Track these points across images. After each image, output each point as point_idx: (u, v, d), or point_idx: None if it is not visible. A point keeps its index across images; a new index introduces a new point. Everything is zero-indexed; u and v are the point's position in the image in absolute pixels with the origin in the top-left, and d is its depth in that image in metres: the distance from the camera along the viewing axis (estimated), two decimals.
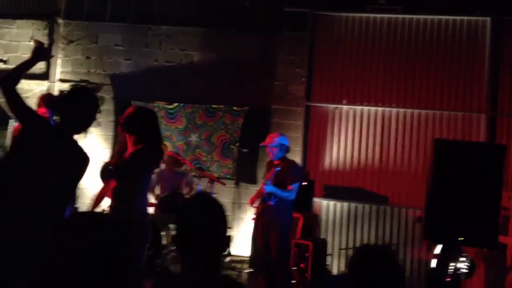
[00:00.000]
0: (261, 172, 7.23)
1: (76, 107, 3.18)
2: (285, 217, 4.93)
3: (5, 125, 7.10)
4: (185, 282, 1.81)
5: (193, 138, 7.53)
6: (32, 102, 7.58)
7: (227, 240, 1.81)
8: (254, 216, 5.05)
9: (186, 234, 1.86)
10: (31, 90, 7.68)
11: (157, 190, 6.78)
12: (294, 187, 4.88)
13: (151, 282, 1.97)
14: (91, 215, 1.38)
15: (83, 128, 3.22)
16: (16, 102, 3.00)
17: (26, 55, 8.03)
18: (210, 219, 1.86)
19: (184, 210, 1.97)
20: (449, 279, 4.19)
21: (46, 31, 7.90)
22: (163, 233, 6.17)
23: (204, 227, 1.83)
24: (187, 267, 1.84)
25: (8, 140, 6.94)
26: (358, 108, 7.19)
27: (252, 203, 5.09)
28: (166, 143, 7.59)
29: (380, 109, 7.14)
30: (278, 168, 4.85)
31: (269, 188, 4.79)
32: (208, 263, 1.82)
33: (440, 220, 4.23)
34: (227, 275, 1.96)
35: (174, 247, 1.88)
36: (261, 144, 5.24)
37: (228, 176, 7.27)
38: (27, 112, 3.06)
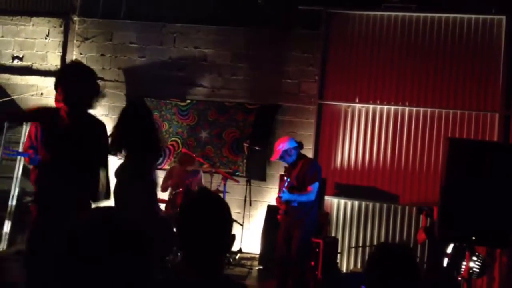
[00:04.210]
0: (271, 170, 7.24)
1: (70, 81, 3.31)
2: (309, 216, 4.92)
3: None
4: (186, 282, 1.77)
5: (204, 134, 7.55)
6: (46, 98, 7.73)
7: (231, 239, 1.73)
8: (279, 215, 5.06)
9: (187, 231, 1.80)
10: (46, 87, 7.78)
11: (169, 187, 6.82)
12: (313, 187, 4.85)
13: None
14: (111, 211, 1.30)
15: (86, 98, 3.33)
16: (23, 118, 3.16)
17: (41, 52, 8.20)
18: (213, 216, 1.80)
19: (186, 207, 1.92)
20: (460, 278, 4.17)
21: (62, 29, 7.99)
22: (174, 229, 6.22)
23: (206, 224, 1.78)
24: (188, 266, 1.79)
25: (23, 138, 7.03)
26: (371, 106, 7.16)
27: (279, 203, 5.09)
28: (177, 139, 7.63)
29: (393, 107, 7.11)
30: (288, 179, 4.86)
31: (286, 196, 4.80)
32: (210, 263, 1.78)
33: (453, 219, 4.20)
34: (229, 276, 1.90)
35: (178, 244, 1.78)
36: (272, 159, 5.28)
37: (238, 173, 7.29)
38: (34, 114, 3.19)
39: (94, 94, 3.36)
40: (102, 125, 3.45)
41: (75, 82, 3.28)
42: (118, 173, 3.82)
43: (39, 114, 3.49)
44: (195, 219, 1.79)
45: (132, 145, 3.73)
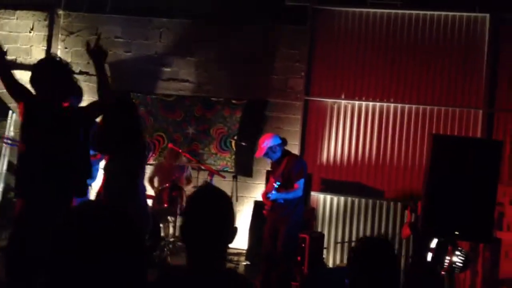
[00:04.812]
0: (258, 166, 7.26)
1: (38, 79, 3.33)
2: (295, 212, 4.96)
3: (5, 115, 7.12)
4: (190, 275, 1.80)
5: (190, 130, 7.52)
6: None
7: (233, 232, 1.81)
8: (265, 210, 5.08)
9: (192, 225, 1.85)
10: None
11: (156, 182, 6.82)
12: (299, 184, 4.90)
13: (152, 274, 1.95)
14: (102, 205, 1.29)
15: (56, 94, 3.32)
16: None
17: (26, 46, 8.08)
18: (217, 210, 1.85)
19: (191, 200, 1.97)
20: (444, 272, 4.24)
21: (46, 22, 7.90)
22: (161, 225, 6.22)
23: (210, 218, 1.83)
24: (193, 259, 1.83)
25: (10, 129, 6.97)
26: (357, 102, 7.21)
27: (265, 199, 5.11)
28: (162, 134, 7.60)
29: (378, 104, 7.17)
30: (278, 183, 4.88)
31: (274, 196, 4.83)
32: (213, 255, 1.82)
33: (437, 214, 4.27)
34: (232, 269, 1.95)
35: (181, 238, 1.84)
36: (256, 156, 5.29)
37: (226, 169, 7.29)
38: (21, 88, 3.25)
39: (64, 89, 3.34)
40: (81, 114, 3.41)
41: (43, 79, 3.27)
42: (106, 169, 3.80)
43: (26, 92, 3.46)
44: (200, 212, 1.84)
45: (119, 141, 3.70)
